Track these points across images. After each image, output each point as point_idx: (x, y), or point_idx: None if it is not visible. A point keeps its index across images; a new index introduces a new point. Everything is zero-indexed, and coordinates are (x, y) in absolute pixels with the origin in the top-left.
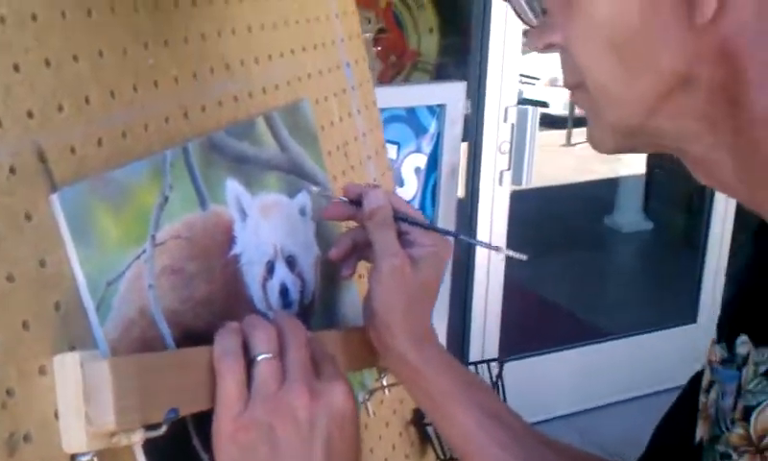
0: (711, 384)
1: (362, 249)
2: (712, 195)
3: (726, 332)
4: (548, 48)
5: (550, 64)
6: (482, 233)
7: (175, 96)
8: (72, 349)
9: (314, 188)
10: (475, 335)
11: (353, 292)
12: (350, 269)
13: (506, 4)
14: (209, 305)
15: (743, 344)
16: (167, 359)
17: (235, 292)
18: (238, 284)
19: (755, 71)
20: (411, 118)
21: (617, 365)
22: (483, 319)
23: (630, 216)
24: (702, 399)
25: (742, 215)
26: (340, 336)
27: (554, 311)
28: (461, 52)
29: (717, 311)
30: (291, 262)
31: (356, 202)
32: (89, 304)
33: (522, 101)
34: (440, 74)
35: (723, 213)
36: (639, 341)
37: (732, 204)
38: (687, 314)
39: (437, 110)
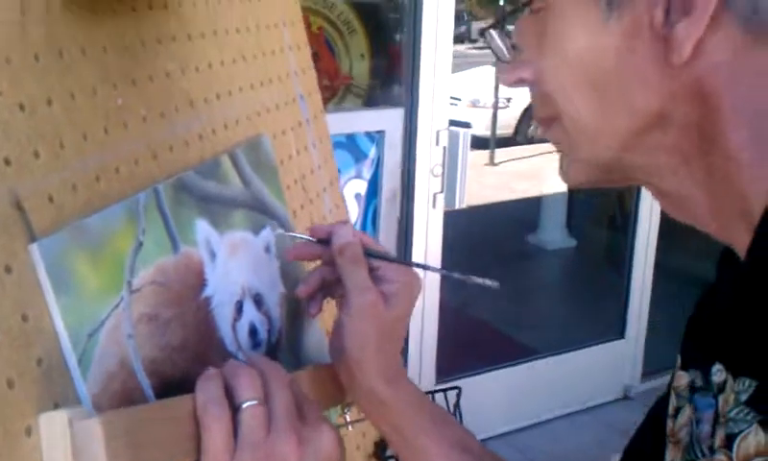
0: (678, 410)
1: (330, 286)
2: (636, 212)
3: (695, 359)
4: (519, 83)
5: (472, 86)
6: (417, 256)
7: (143, 137)
8: (56, 406)
9: (279, 230)
10: (412, 357)
11: (317, 329)
12: (317, 307)
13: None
14: (184, 352)
15: (718, 372)
16: (154, 412)
17: (207, 335)
18: (210, 327)
19: (728, 110)
20: (351, 144)
21: (550, 382)
22: (419, 341)
23: (554, 234)
24: (669, 423)
25: (667, 232)
26: (309, 375)
27: (486, 331)
28: (393, 76)
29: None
30: (258, 301)
31: (324, 241)
32: (71, 359)
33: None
34: (372, 98)
35: (647, 230)
36: (570, 358)
37: (656, 221)
38: (615, 330)
39: (376, 137)
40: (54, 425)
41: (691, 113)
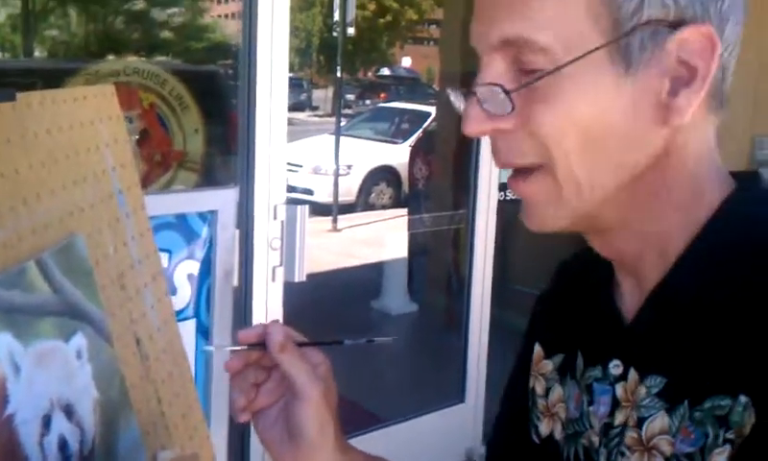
0: (548, 390)
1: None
2: (470, 280)
3: (559, 348)
4: (494, 133)
5: (313, 153)
6: None
7: None
8: None
9: (209, 347)
10: (255, 439)
11: (134, 427)
12: (247, 412)
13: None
14: None
15: (615, 367)
16: None
17: (11, 456)
18: (14, 447)
19: (679, 167)
20: (181, 225)
21: (395, 449)
22: None
23: (396, 299)
24: (541, 402)
25: (500, 296)
26: None
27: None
28: (228, 148)
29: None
30: (69, 412)
31: (258, 344)
32: None
33: (287, 189)
34: (207, 171)
35: (480, 295)
36: (413, 424)
37: (488, 286)
38: (456, 394)
39: (208, 216)
40: None
41: (655, 171)
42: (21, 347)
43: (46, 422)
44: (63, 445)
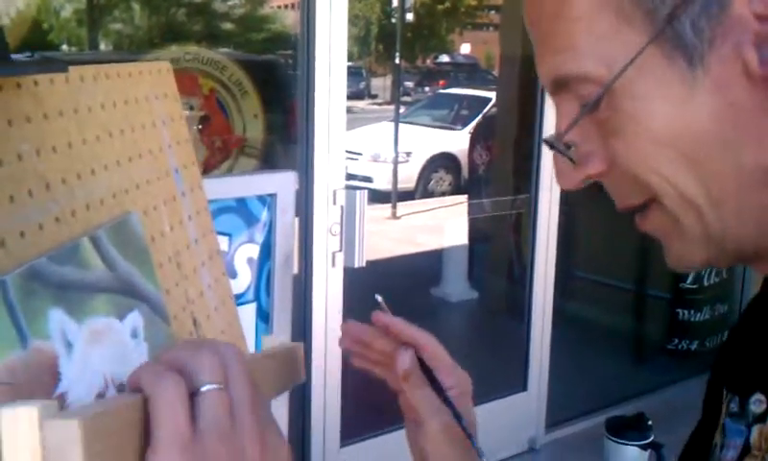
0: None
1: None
2: (532, 266)
3: (734, 386)
4: (588, 179)
5: (372, 141)
6: (317, 312)
7: None
8: None
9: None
10: (315, 418)
11: None
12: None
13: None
14: None
15: (757, 402)
16: (128, 412)
17: None
18: None
19: None
20: (241, 208)
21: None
22: (323, 402)
23: (456, 286)
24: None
25: (564, 283)
26: (261, 363)
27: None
28: (288, 134)
29: (546, 378)
30: (123, 390)
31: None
32: None
33: (347, 176)
34: (268, 157)
35: (543, 283)
36: (476, 412)
37: (552, 272)
38: (518, 382)
39: (267, 200)
40: (18, 425)
41: None
42: (74, 323)
43: None
44: None
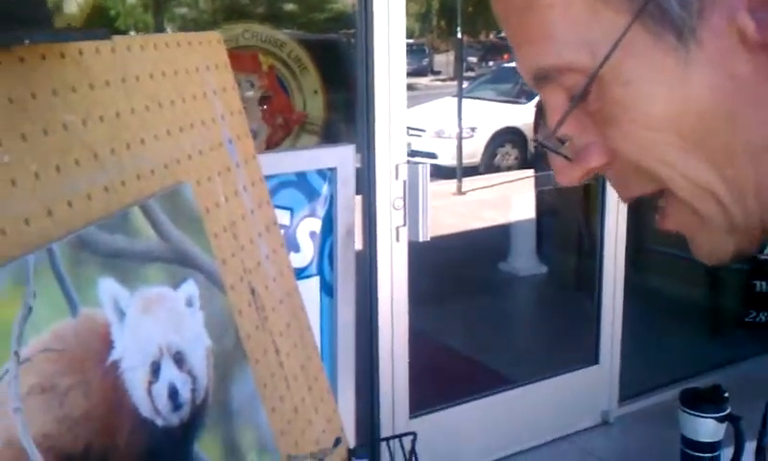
0: None
1: None
2: (602, 238)
3: None
4: (589, 173)
5: (436, 117)
6: (383, 288)
7: (35, 194)
8: None
9: None
10: (384, 391)
11: (249, 380)
12: None
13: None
14: (88, 423)
15: None
16: None
17: (117, 403)
18: (119, 394)
19: None
20: (302, 183)
21: (527, 411)
22: (390, 374)
23: (525, 261)
24: None
25: (635, 256)
26: None
27: (460, 361)
28: (348, 111)
29: (618, 351)
30: (179, 360)
31: None
32: None
33: (411, 153)
34: (329, 133)
35: (613, 254)
36: (546, 385)
37: (622, 243)
38: (588, 356)
39: (327, 173)
40: None
41: None
42: (126, 292)
43: (155, 369)
44: (174, 393)
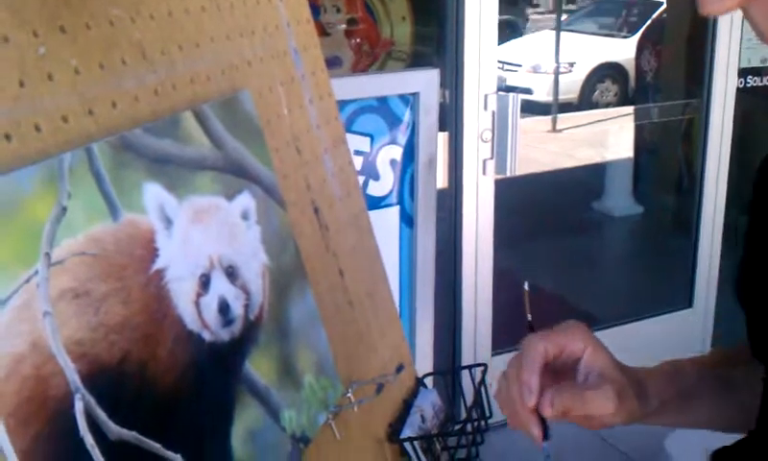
0: None
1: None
2: (702, 176)
3: None
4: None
5: (532, 51)
6: (467, 224)
7: (75, 89)
8: None
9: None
10: (467, 327)
11: (309, 299)
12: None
13: None
14: (126, 331)
15: None
16: None
17: (160, 313)
18: (163, 304)
19: None
20: (383, 108)
21: (617, 352)
22: (473, 309)
23: (620, 200)
24: None
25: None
26: None
27: (546, 300)
28: (436, 39)
29: (713, 294)
30: (231, 273)
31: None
32: None
33: (505, 88)
34: (416, 62)
35: (714, 194)
36: (635, 328)
37: (724, 183)
38: (683, 299)
39: (410, 99)
40: None
41: None
42: (174, 200)
43: (204, 281)
44: (224, 307)
